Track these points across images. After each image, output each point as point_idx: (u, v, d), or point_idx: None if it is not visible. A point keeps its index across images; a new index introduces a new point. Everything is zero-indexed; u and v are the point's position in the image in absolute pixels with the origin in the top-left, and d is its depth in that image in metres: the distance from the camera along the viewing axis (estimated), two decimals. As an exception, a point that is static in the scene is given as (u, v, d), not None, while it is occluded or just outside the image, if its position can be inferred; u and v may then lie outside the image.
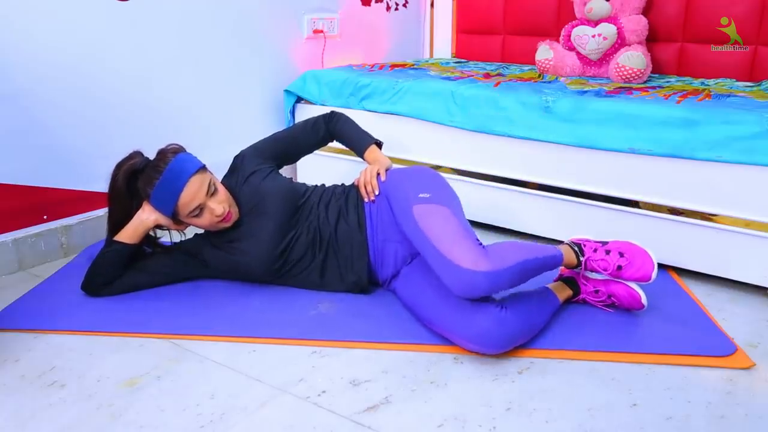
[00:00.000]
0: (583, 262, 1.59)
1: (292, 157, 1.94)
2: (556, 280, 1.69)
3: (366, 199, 1.74)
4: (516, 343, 1.42)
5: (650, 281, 1.56)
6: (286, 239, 1.69)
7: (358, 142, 1.86)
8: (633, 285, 1.59)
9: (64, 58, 1.96)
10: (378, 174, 1.76)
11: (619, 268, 1.57)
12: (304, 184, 1.83)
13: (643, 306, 1.58)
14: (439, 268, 1.41)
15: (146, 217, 1.66)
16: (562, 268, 1.72)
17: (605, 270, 1.58)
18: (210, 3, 2.36)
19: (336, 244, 1.70)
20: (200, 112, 2.40)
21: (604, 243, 1.63)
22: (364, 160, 1.85)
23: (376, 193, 1.72)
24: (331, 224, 1.71)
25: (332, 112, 1.92)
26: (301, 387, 1.33)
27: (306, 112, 2.65)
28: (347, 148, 1.91)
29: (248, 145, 1.85)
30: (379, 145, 1.87)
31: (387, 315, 1.62)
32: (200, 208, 1.63)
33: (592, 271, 1.62)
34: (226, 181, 1.79)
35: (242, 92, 2.57)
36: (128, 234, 1.66)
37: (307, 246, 1.70)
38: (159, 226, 1.69)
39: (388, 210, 1.70)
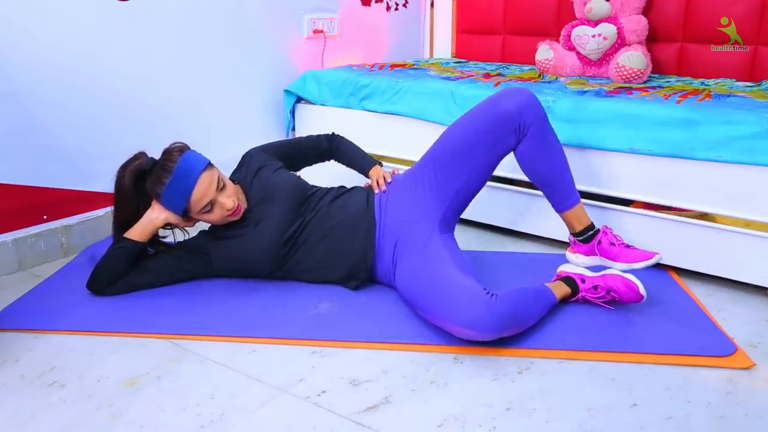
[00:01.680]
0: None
1: (295, 162, 1.99)
2: (554, 280, 1.69)
3: (377, 191, 1.82)
4: (508, 328, 1.42)
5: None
6: (294, 226, 1.73)
7: (362, 160, 1.97)
8: (629, 276, 1.61)
9: (64, 58, 1.96)
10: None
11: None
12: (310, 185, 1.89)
13: (642, 296, 1.58)
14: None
15: (156, 216, 1.67)
16: (560, 269, 1.73)
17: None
18: (210, 3, 2.35)
19: (343, 225, 1.74)
20: (200, 112, 2.40)
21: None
22: (368, 176, 1.92)
23: (388, 180, 1.84)
24: (339, 209, 1.76)
25: (333, 133, 2.02)
26: (301, 387, 1.33)
27: (306, 112, 2.65)
28: (347, 167, 2.00)
29: (252, 147, 1.92)
30: (380, 165, 1.96)
31: (387, 315, 1.62)
32: (211, 204, 1.66)
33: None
34: (234, 176, 1.86)
35: (242, 92, 2.57)
36: (137, 233, 1.67)
37: (313, 231, 1.74)
38: (167, 225, 1.70)
39: (397, 199, 1.76)
